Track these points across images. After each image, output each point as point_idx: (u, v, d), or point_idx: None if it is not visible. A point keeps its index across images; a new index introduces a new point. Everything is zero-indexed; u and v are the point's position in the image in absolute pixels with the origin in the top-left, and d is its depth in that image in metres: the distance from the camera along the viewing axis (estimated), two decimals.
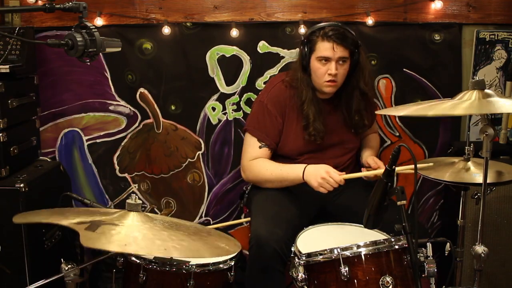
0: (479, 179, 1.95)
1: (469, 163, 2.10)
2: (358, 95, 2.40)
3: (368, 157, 2.46)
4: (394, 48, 2.83)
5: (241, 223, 2.90)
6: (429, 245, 1.79)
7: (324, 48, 2.28)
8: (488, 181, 1.84)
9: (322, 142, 2.39)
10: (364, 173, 2.33)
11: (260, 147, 2.42)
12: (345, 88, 2.41)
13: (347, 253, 1.76)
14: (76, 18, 1.43)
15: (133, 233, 1.48)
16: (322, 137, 2.38)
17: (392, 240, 1.78)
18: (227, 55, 2.83)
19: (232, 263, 1.98)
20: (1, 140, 2.32)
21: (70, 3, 1.42)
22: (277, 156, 2.48)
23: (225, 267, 1.95)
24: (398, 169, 2.19)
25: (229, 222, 2.77)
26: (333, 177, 2.20)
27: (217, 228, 2.13)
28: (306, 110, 2.36)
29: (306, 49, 2.34)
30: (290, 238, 2.16)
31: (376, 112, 2.35)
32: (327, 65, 2.30)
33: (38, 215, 1.66)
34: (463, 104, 1.79)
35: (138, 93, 2.87)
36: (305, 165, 2.31)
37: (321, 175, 2.21)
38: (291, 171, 2.33)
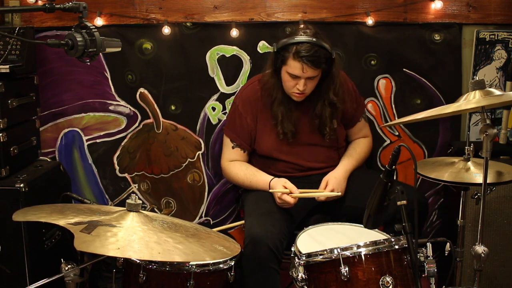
0: (479, 179, 1.95)
1: (469, 163, 2.10)
2: (326, 103, 2.40)
3: (331, 173, 2.45)
4: (394, 48, 2.83)
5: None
6: (429, 245, 1.79)
7: (294, 66, 2.25)
8: (488, 181, 1.84)
9: (294, 141, 2.43)
10: (314, 194, 2.37)
11: (232, 147, 2.52)
12: (315, 93, 2.40)
13: (347, 253, 1.76)
14: (76, 18, 1.43)
15: (129, 236, 1.48)
16: (293, 136, 2.42)
17: (392, 240, 1.78)
18: (227, 55, 2.83)
19: (232, 263, 1.97)
20: (1, 140, 2.32)
21: (70, 3, 1.42)
22: (257, 156, 2.54)
23: (225, 267, 1.95)
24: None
25: (227, 225, 2.75)
26: (286, 201, 2.28)
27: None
28: (275, 110, 2.40)
29: (278, 58, 2.32)
30: (284, 235, 2.19)
31: (392, 123, 2.37)
32: (296, 80, 2.29)
33: (38, 212, 1.66)
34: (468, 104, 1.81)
35: (138, 93, 2.87)
36: (270, 178, 2.39)
37: (277, 200, 2.31)
38: (258, 185, 2.43)
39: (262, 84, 2.45)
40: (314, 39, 2.24)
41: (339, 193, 2.35)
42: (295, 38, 2.25)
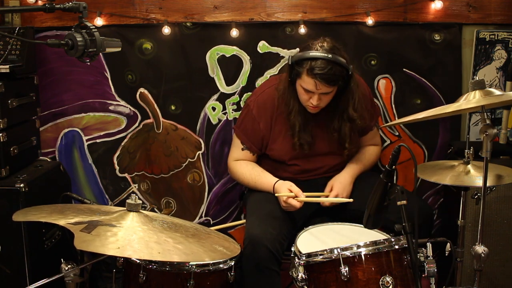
0: (479, 182, 1.95)
1: (469, 166, 2.10)
2: (345, 117, 2.36)
3: (336, 178, 2.42)
4: (394, 48, 2.83)
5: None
6: (429, 245, 1.79)
7: (308, 82, 2.20)
8: (488, 185, 1.84)
9: (309, 150, 2.41)
10: (321, 199, 2.37)
11: (242, 149, 2.50)
12: (333, 107, 2.35)
13: (347, 253, 1.76)
14: (76, 18, 1.43)
15: (129, 236, 1.48)
16: (309, 148, 2.39)
17: (392, 240, 1.78)
18: (227, 55, 2.83)
19: (232, 263, 1.97)
20: (1, 140, 2.32)
21: (70, 3, 1.42)
22: (269, 159, 2.51)
23: (225, 267, 1.95)
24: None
25: (228, 224, 2.76)
26: (292, 205, 2.26)
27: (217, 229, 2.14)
28: (292, 120, 2.36)
29: (293, 71, 2.26)
30: (284, 237, 2.19)
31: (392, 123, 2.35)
32: (310, 94, 2.25)
33: (38, 212, 1.66)
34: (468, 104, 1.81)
35: (138, 93, 2.87)
36: (275, 181, 2.37)
37: (282, 203, 2.30)
38: (262, 187, 2.42)
39: (279, 92, 2.40)
40: (329, 55, 2.16)
41: (351, 200, 2.30)
42: (310, 54, 2.19)
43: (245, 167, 2.49)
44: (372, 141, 2.63)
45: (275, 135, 2.44)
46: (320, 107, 2.32)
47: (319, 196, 2.38)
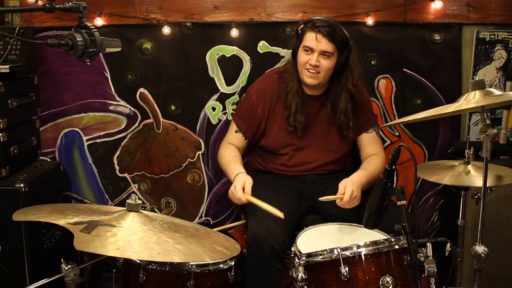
0: (479, 183, 1.95)
1: (469, 166, 2.10)
2: (346, 96, 2.40)
3: (347, 178, 2.33)
4: (394, 48, 2.83)
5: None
6: (429, 245, 1.79)
7: (310, 38, 2.31)
8: (488, 184, 1.84)
9: (302, 135, 2.43)
10: (263, 205, 2.19)
11: (235, 131, 2.54)
12: (334, 88, 2.42)
13: (347, 253, 1.76)
14: (76, 18, 1.43)
15: (129, 236, 1.48)
16: (302, 129, 2.41)
17: (392, 240, 1.78)
18: (227, 55, 2.83)
19: (232, 263, 1.97)
20: (1, 140, 2.32)
21: (70, 3, 1.42)
22: (261, 149, 2.54)
23: (225, 267, 1.95)
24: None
25: (227, 225, 2.75)
26: (235, 194, 2.27)
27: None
28: (289, 101, 2.41)
29: (296, 40, 2.39)
30: (286, 235, 2.19)
31: (394, 122, 2.36)
32: (310, 55, 2.32)
33: (38, 212, 1.66)
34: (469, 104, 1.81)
35: (138, 93, 2.87)
36: (238, 172, 2.37)
37: (231, 188, 2.31)
38: (229, 173, 2.45)
39: (281, 73, 2.48)
40: (332, 20, 2.34)
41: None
42: (314, 17, 2.37)
43: (230, 150, 2.51)
44: (372, 147, 2.54)
45: (272, 123, 2.47)
46: (319, 76, 2.34)
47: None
